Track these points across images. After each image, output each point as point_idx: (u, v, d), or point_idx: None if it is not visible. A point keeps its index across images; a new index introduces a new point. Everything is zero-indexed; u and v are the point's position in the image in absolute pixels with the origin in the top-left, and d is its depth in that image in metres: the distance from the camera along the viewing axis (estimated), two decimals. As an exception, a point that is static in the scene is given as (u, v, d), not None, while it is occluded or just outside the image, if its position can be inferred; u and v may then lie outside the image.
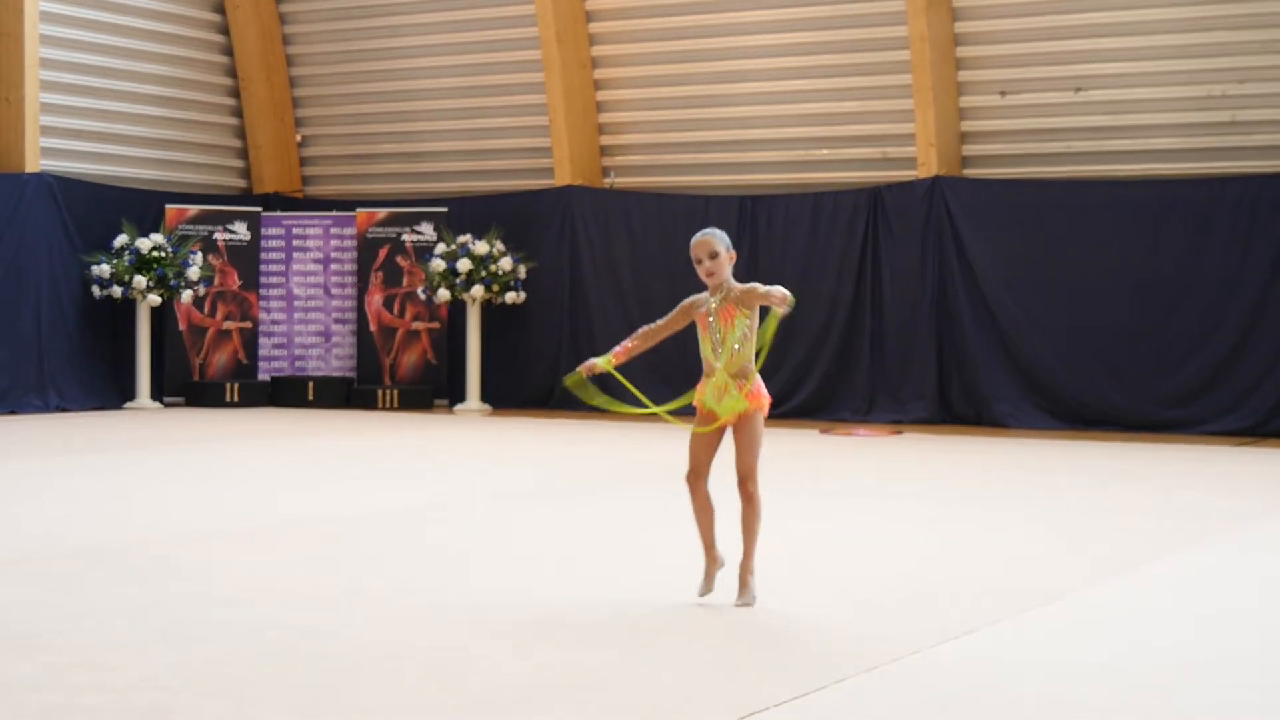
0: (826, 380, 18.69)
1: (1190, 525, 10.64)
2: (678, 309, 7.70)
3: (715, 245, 7.50)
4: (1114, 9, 17.41)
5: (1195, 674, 6.27)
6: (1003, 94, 18.15)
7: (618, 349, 7.60)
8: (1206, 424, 16.82)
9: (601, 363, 7.54)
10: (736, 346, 7.47)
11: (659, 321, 7.69)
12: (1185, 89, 17.21)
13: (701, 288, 7.63)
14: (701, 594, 7.38)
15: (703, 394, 7.55)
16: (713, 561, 7.46)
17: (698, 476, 7.54)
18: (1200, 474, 13.82)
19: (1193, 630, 7.17)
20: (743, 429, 7.44)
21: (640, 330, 7.75)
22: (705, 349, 7.57)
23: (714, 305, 7.55)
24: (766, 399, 7.52)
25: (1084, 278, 17.38)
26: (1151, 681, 6.12)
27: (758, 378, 7.49)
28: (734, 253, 7.60)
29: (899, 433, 17.43)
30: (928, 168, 18.13)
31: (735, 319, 7.47)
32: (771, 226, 19.06)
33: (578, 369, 7.58)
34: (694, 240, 7.61)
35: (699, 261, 7.54)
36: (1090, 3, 17.52)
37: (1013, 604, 7.57)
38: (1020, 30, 17.95)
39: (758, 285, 7.52)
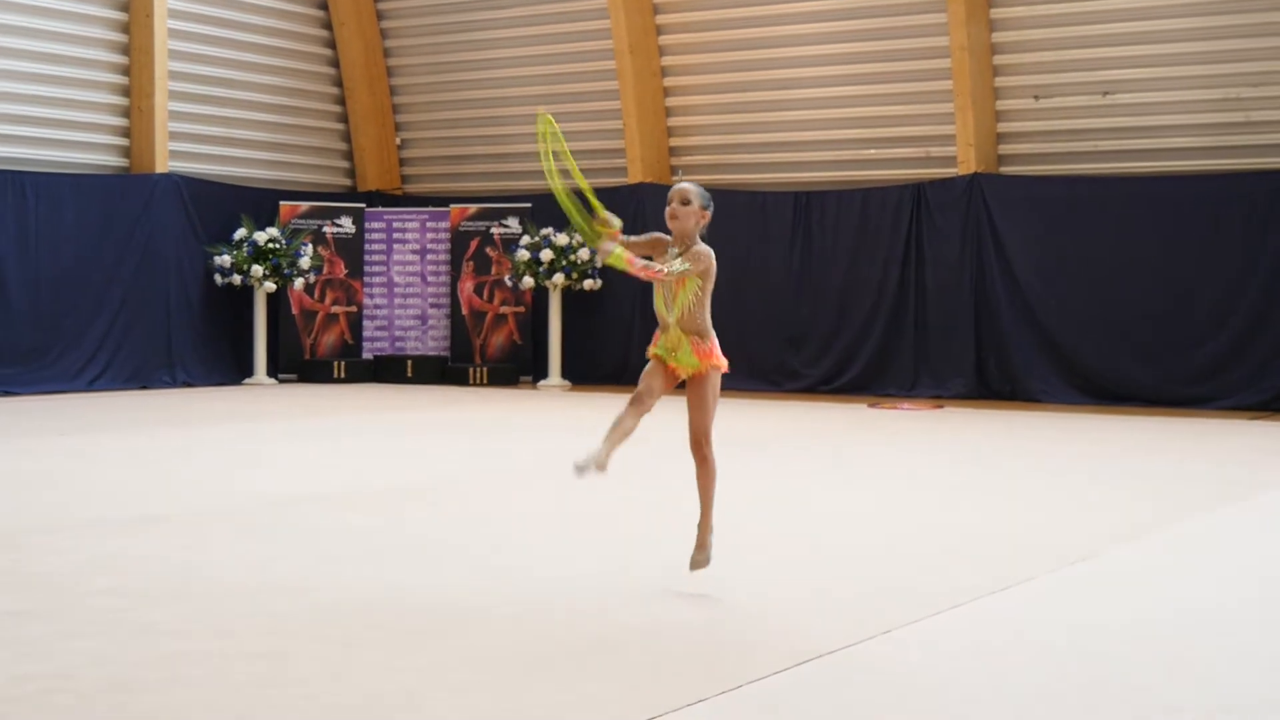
0: (874, 359, 18.62)
1: (1209, 491, 10.55)
2: (649, 237, 6.95)
3: (689, 194, 6.83)
4: (1138, 19, 17.25)
5: (1214, 626, 6.23)
6: (1036, 98, 18.01)
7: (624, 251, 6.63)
8: (1223, 399, 16.66)
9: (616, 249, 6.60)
10: (690, 304, 6.66)
11: (635, 239, 6.87)
12: (1203, 92, 17.03)
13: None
14: (578, 467, 6.42)
15: (656, 345, 6.78)
16: (603, 462, 6.46)
17: (638, 401, 6.61)
18: (1217, 445, 13.69)
19: (1213, 587, 7.12)
20: (696, 389, 6.72)
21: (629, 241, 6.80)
22: (658, 302, 6.79)
23: (670, 257, 6.75)
24: (722, 360, 6.73)
25: (1110, 266, 17.24)
26: (1173, 634, 6.08)
27: (714, 338, 6.72)
28: (708, 213, 6.83)
29: (940, 407, 17.35)
30: (967, 166, 18.03)
31: (687, 280, 6.67)
32: (824, 220, 19.00)
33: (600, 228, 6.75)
34: (673, 189, 6.94)
35: (669, 202, 6.86)
36: (1116, 14, 17.36)
37: (1044, 563, 7.53)
38: (1052, 39, 17.80)
39: (705, 254, 6.67)
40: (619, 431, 6.56)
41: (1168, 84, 17.21)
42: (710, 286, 6.72)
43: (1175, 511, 9.51)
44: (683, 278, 6.63)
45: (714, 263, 6.70)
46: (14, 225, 17.73)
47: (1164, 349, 16.97)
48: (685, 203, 6.78)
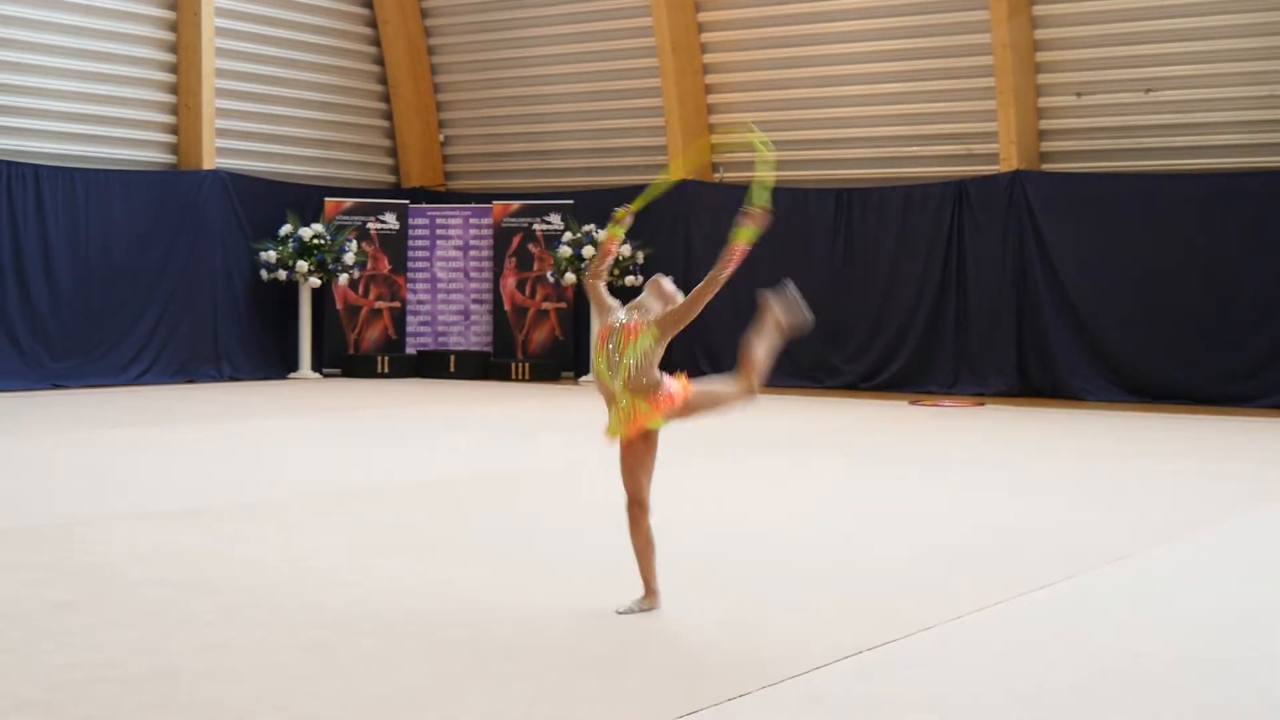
0: (915, 356, 18.55)
1: (1250, 490, 10.47)
2: (595, 300, 6.44)
3: (664, 287, 6.30)
4: (1181, 16, 17.11)
5: (1255, 626, 6.18)
6: (1078, 95, 17.89)
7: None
8: (1265, 398, 16.50)
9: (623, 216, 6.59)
10: (639, 362, 6.04)
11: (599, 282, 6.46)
12: (1247, 89, 16.88)
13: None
14: (622, 610, 6.12)
15: (610, 428, 6.14)
16: (651, 597, 6.16)
17: (640, 508, 6.12)
18: (1258, 444, 13.57)
19: (1254, 587, 7.06)
20: (647, 444, 6.14)
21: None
22: (599, 366, 6.14)
23: (621, 317, 6.16)
24: (678, 390, 6.12)
25: (1152, 263, 17.11)
26: (1213, 633, 6.03)
27: (663, 379, 6.10)
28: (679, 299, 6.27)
29: (981, 404, 17.28)
30: (1009, 163, 17.93)
31: (640, 334, 6.07)
32: (865, 216, 18.93)
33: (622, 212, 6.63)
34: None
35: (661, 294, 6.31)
36: (1159, 11, 17.23)
37: (1084, 561, 7.49)
38: (1095, 36, 17.68)
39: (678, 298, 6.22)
40: (645, 560, 6.14)
41: (1211, 81, 17.07)
42: (667, 342, 6.12)
43: (1216, 511, 9.44)
44: (636, 329, 6.08)
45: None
46: (65, 221, 17.86)
47: (1206, 347, 16.83)
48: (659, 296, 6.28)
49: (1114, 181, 17.41)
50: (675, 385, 6.14)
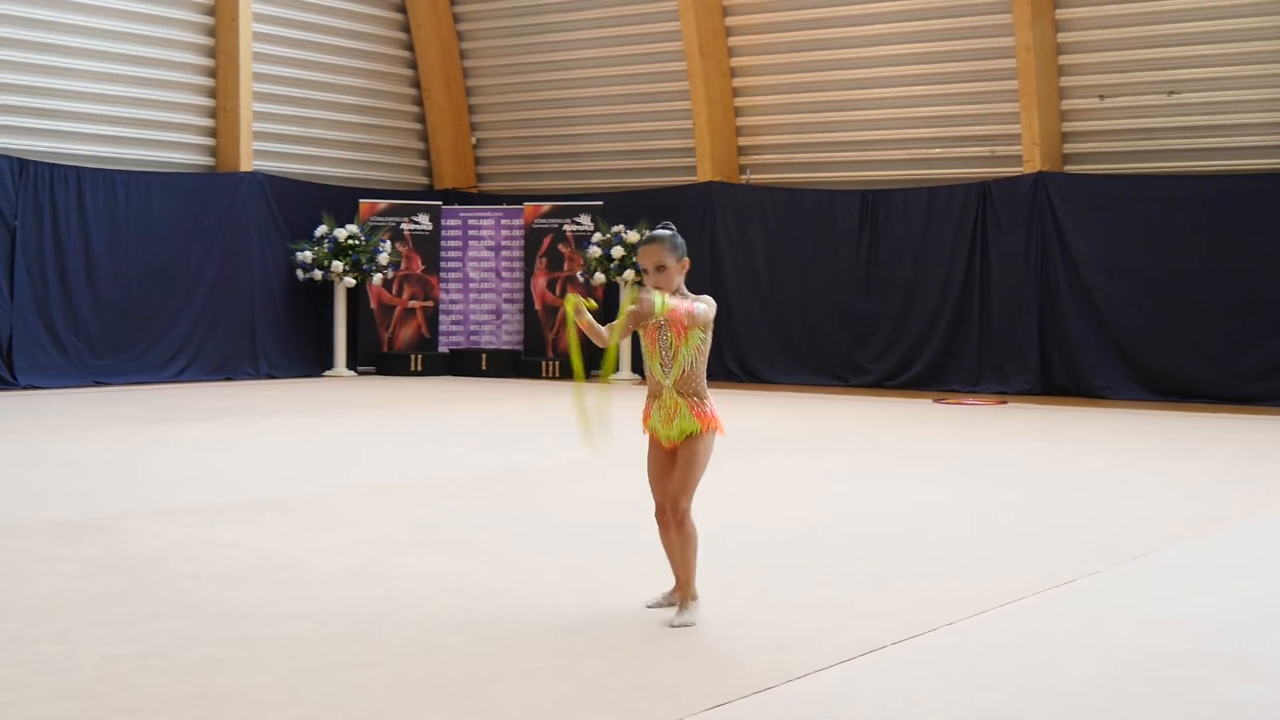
0: (939, 355, 18.51)
1: (1272, 488, 10.42)
2: (627, 316, 5.94)
3: (663, 257, 5.84)
4: (1204, 19, 17.03)
5: (1274, 621, 6.16)
6: (1101, 98, 17.83)
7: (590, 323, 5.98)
8: (1285, 397, 16.47)
9: (584, 308, 5.90)
10: (692, 361, 5.89)
11: (614, 324, 5.93)
12: (1269, 91, 16.79)
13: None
14: (651, 604, 6.07)
15: (649, 418, 6.00)
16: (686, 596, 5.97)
17: (664, 513, 5.93)
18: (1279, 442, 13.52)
19: (1272, 583, 7.04)
20: (688, 447, 5.87)
21: (604, 327, 6.02)
22: (651, 363, 5.96)
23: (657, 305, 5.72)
24: (719, 423, 5.93)
25: (1174, 264, 17.04)
26: (1235, 630, 6.02)
27: (710, 399, 5.93)
28: (687, 261, 5.98)
29: (1004, 402, 17.24)
30: (1032, 165, 17.88)
31: (689, 332, 5.88)
32: (890, 218, 18.90)
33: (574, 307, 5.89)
34: (641, 247, 5.97)
35: (645, 272, 5.94)
36: (1182, 14, 17.15)
37: (1107, 558, 7.47)
38: (1117, 39, 17.62)
39: (696, 304, 5.83)
40: (672, 551, 5.97)
41: (1234, 83, 16.98)
42: (710, 340, 5.96)
43: (1238, 509, 9.40)
44: (689, 326, 5.86)
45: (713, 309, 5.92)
46: (106, 222, 17.96)
47: (1228, 346, 16.76)
48: (660, 268, 5.86)
49: (1136, 183, 17.35)
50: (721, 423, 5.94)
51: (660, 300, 5.58)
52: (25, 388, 16.83)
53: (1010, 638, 5.77)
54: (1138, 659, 5.47)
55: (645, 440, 6.06)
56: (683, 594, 5.94)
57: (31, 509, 8.56)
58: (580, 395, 5.89)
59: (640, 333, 6.00)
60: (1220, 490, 10.23)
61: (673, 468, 5.90)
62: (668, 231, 5.97)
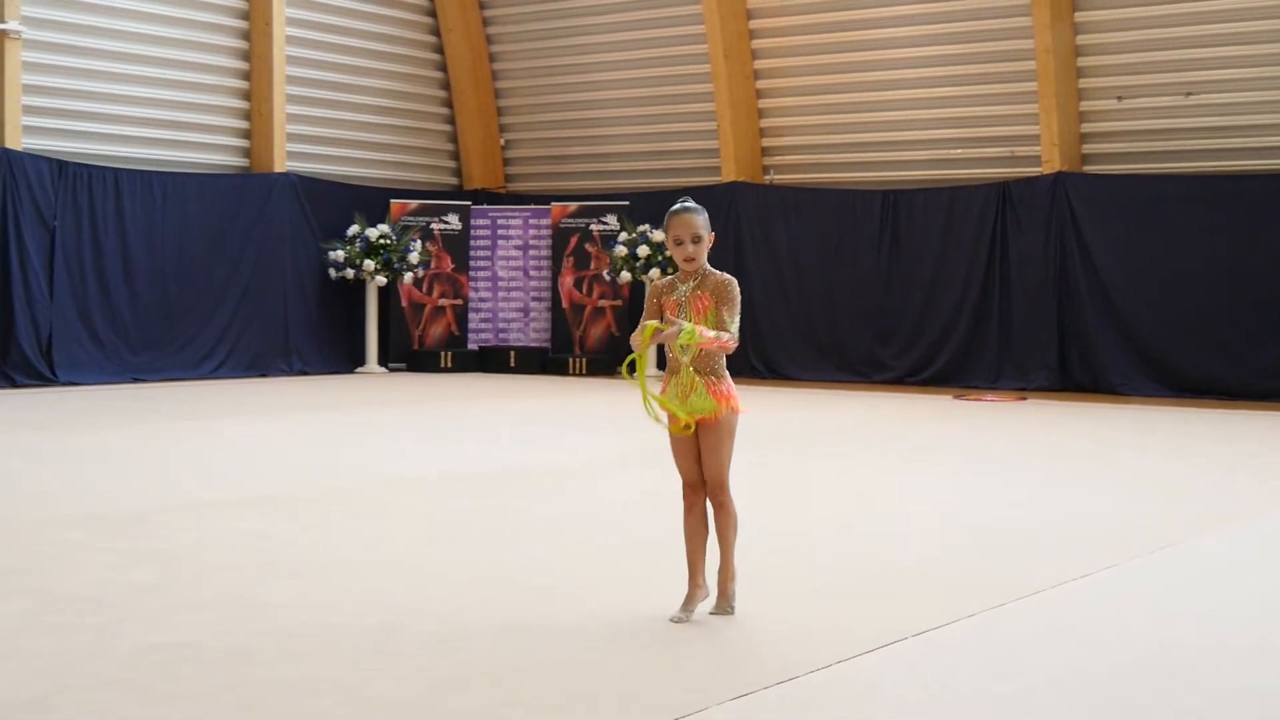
0: (959, 352, 18.46)
1: (1286, 483, 10.38)
2: (648, 299, 5.94)
3: (699, 227, 5.79)
4: (1221, 22, 16.94)
5: (1290, 615, 6.14)
6: (1119, 99, 17.75)
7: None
8: (1302, 393, 16.38)
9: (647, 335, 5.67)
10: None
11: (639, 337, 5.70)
12: (1286, 93, 16.74)
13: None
14: (675, 619, 5.74)
15: (664, 393, 5.88)
16: (697, 588, 5.83)
17: (694, 491, 5.85)
18: (1296, 437, 13.45)
19: (1288, 576, 7.01)
20: (710, 433, 5.77)
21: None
22: (673, 343, 5.71)
23: (685, 293, 5.81)
24: (737, 402, 5.82)
25: (1191, 262, 16.95)
26: (1252, 622, 5.99)
27: (729, 379, 5.83)
28: (714, 234, 5.94)
29: (1024, 398, 17.18)
30: (1051, 165, 17.81)
31: (709, 309, 5.76)
32: (911, 217, 18.86)
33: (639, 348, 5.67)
34: (674, 216, 5.85)
35: (680, 242, 5.81)
36: (1199, 17, 17.06)
37: (1125, 551, 7.45)
38: (1135, 42, 17.53)
39: (733, 285, 5.77)
40: (693, 546, 5.86)
41: (1251, 84, 16.89)
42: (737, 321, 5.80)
43: (1256, 504, 9.35)
44: (706, 302, 5.78)
45: (738, 291, 5.82)
46: (143, 222, 18.04)
47: (1245, 344, 16.67)
48: (697, 239, 5.79)
49: (1154, 183, 17.27)
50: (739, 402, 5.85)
51: (691, 333, 5.57)
52: (65, 384, 16.91)
53: (1032, 629, 5.75)
54: (1156, 650, 5.45)
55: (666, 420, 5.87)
56: (724, 574, 5.85)
57: (71, 502, 8.60)
58: (643, 381, 5.74)
59: (663, 309, 5.88)
60: (1237, 485, 10.18)
61: (695, 447, 5.81)
62: (692, 202, 5.94)
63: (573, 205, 21.01)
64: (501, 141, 22.71)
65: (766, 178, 20.25)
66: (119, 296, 17.78)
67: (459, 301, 21.19)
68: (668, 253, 19.30)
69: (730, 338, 5.71)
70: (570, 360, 20.47)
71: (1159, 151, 17.52)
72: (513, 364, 20.75)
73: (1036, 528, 8.17)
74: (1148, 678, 5.08)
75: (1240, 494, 9.74)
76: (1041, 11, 17.46)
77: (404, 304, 20.74)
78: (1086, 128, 18.04)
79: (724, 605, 5.85)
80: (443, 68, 22.34)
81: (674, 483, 5.96)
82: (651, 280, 19.55)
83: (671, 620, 5.72)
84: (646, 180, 21.19)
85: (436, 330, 21.01)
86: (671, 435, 5.85)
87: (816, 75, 19.76)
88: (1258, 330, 16.58)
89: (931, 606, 6.06)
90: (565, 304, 20.85)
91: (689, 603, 5.79)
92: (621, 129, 21.62)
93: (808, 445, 12.30)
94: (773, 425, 13.77)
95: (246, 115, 19.56)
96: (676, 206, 5.89)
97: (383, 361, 20.50)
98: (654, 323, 5.74)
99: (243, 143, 19.57)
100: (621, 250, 19.83)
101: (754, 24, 20.02)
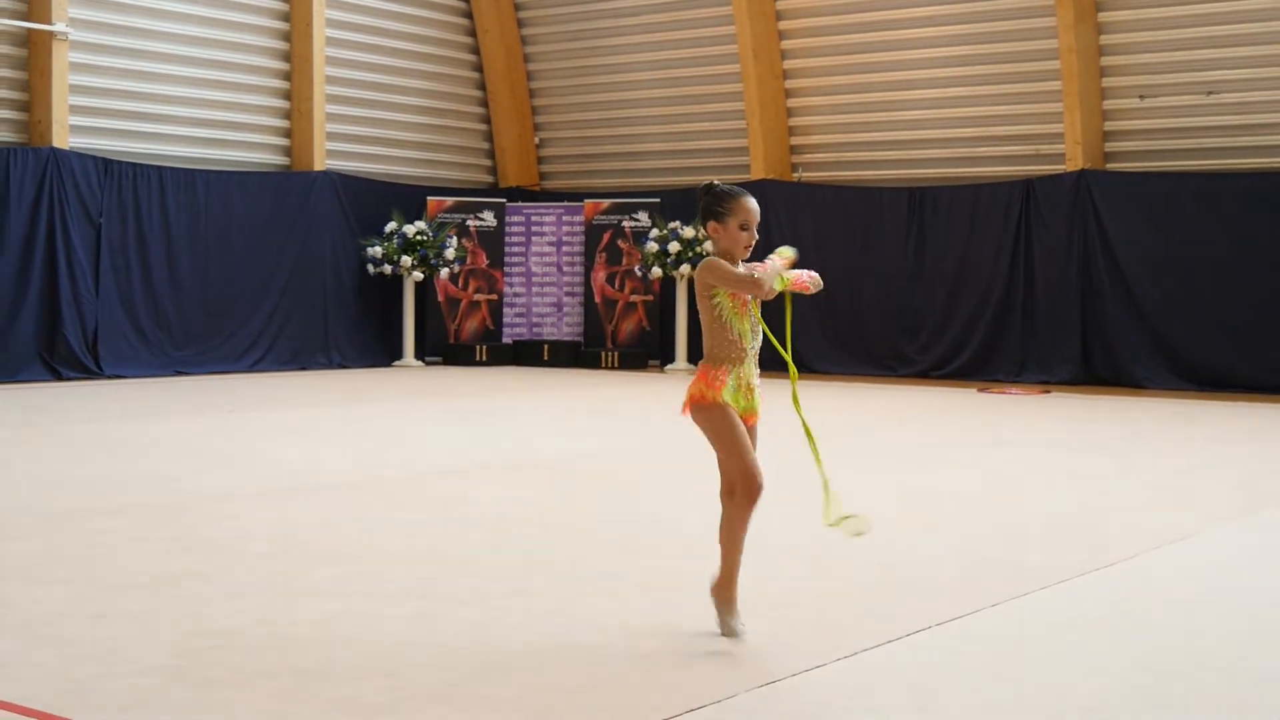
0: (984, 345, 18.40)
1: (1307, 475, 10.30)
2: (741, 271, 5.38)
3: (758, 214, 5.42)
4: (1241, 22, 16.83)
5: (1311, 605, 6.08)
6: (1141, 98, 17.65)
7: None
8: (1321, 386, 16.26)
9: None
10: (763, 330, 5.44)
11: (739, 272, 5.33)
12: (1306, 91, 16.61)
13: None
14: (729, 634, 5.27)
15: (726, 386, 5.30)
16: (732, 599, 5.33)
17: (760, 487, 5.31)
18: (1316, 430, 13.35)
19: (1309, 567, 6.95)
20: (753, 428, 5.43)
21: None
22: (744, 329, 5.31)
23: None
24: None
25: (1211, 258, 16.86)
26: (1270, 611, 5.94)
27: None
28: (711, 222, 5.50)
29: (1047, 392, 17.10)
30: (1075, 162, 17.72)
31: (753, 302, 5.40)
32: (937, 214, 18.79)
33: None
34: (740, 200, 5.42)
35: (745, 228, 5.41)
36: (1220, 17, 16.95)
37: (1145, 540, 7.40)
38: (1157, 42, 17.43)
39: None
40: (736, 550, 5.33)
41: (1270, 83, 16.77)
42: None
43: (1274, 494, 9.28)
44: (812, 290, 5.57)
45: None
46: (187, 219, 18.11)
47: (1265, 338, 16.56)
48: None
49: (1176, 180, 17.16)
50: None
51: (780, 278, 5.33)
52: (110, 377, 17.00)
53: (1057, 616, 5.72)
54: (1180, 636, 5.41)
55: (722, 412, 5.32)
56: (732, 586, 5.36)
57: (118, 491, 8.64)
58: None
59: (721, 294, 5.30)
60: (1259, 476, 10.11)
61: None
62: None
63: (605, 202, 21.01)
64: (535, 140, 22.71)
65: (795, 175, 20.20)
66: (163, 292, 17.86)
67: (494, 296, 21.21)
68: (698, 249, 19.27)
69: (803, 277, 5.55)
70: (602, 354, 20.47)
71: (1180, 149, 17.41)
72: (546, 358, 20.76)
73: (1059, 518, 8.12)
74: (1166, 665, 5.04)
75: (1259, 484, 9.67)
76: (1065, 12, 17.37)
77: (440, 299, 20.77)
78: (1109, 126, 17.94)
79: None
80: (478, 68, 22.36)
81: (709, 474, 5.83)
82: (682, 275, 19.50)
83: (728, 635, 5.25)
84: (677, 178, 21.17)
85: (472, 324, 21.03)
86: (739, 422, 5.32)
87: (844, 75, 19.70)
88: (1275, 325, 16.46)
89: (956, 594, 6.03)
90: (598, 299, 20.85)
91: (729, 625, 5.28)
92: (653, 128, 21.60)
93: (832, 437, 12.26)
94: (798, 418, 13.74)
95: (287, 115, 19.62)
96: (734, 190, 5.44)
97: (419, 355, 20.54)
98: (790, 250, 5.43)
99: (283, 141, 19.63)
100: (653, 246, 19.81)
101: (783, 25, 19.96)
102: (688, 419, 5.41)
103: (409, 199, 20.63)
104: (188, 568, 6.40)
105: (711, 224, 5.43)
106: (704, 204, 5.44)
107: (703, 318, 5.38)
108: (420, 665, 4.87)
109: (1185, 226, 17.01)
